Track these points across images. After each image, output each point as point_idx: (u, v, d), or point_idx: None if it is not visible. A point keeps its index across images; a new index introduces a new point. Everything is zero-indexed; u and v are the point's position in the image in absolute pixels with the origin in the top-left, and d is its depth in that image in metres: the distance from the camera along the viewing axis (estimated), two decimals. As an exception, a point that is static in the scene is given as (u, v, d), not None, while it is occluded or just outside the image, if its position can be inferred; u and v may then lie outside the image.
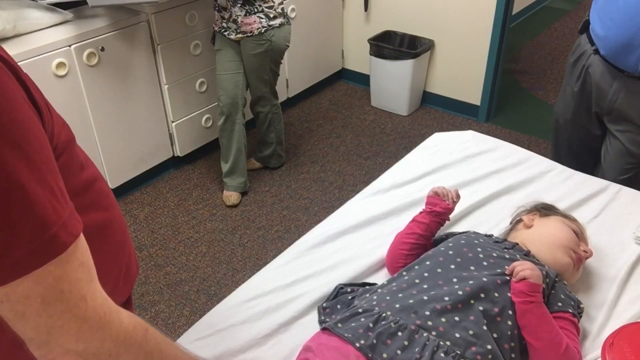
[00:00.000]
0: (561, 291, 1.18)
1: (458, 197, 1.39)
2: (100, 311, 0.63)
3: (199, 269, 2.39)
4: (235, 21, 2.41)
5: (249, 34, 2.42)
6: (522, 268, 1.11)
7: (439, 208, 1.35)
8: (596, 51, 1.74)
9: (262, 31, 2.41)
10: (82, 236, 0.63)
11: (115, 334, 0.64)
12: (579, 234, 1.32)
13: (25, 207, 0.56)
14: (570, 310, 1.15)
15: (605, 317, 1.23)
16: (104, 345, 0.64)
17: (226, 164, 2.70)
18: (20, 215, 0.56)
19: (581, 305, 1.20)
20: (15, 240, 0.56)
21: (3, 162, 0.55)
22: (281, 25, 2.46)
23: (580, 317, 1.19)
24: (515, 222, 1.42)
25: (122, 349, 0.65)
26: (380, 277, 1.33)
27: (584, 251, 1.29)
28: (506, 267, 1.16)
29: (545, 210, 1.40)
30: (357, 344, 1.03)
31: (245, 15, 2.38)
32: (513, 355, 1.07)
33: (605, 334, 1.17)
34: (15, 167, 0.56)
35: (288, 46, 2.56)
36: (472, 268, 1.16)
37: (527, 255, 1.25)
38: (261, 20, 2.40)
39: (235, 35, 2.44)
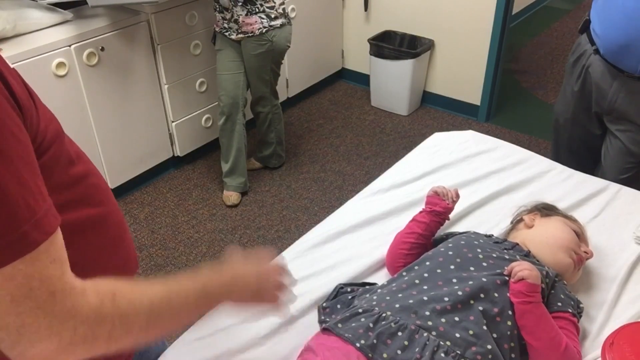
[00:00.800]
0: (561, 291, 1.18)
1: (458, 196, 1.39)
2: (67, 303, 0.62)
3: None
4: (236, 21, 2.41)
5: (250, 34, 2.42)
6: (520, 268, 1.11)
7: (439, 207, 1.35)
8: (596, 51, 1.74)
9: (264, 31, 2.41)
10: (58, 232, 0.63)
11: (85, 317, 0.63)
12: (580, 235, 1.32)
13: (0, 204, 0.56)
14: (570, 310, 1.15)
15: (605, 317, 1.23)
16: (77, 332, 0.63)
17: (226, 164, 2.70)
18: None
19: (581, 305, 1.20)
20: None
21: None
22: (282, 25, 2.46)
23: (580, 317, 1.19)
24: (516, 222, 1.42)
25: (96, 326, 0.64)
26: (380, 277, 1.33)
27: (585, 252, 1.29)
28: (505, 267, 1.16)
29: (546, 210, 1.40)
30: (358, 344, 1.03)
31: (246, 15, 2.38)
32: (513, 356, 1.07)
33: (605, 333, 1.17)
34: None
35: (289, 46, 2.56)
36: (471, 268, 1.16)
37: (527, 255, 1.25)
38: (262, 20, 2.40)
39: (237, 35, 2.44)
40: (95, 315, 0.65)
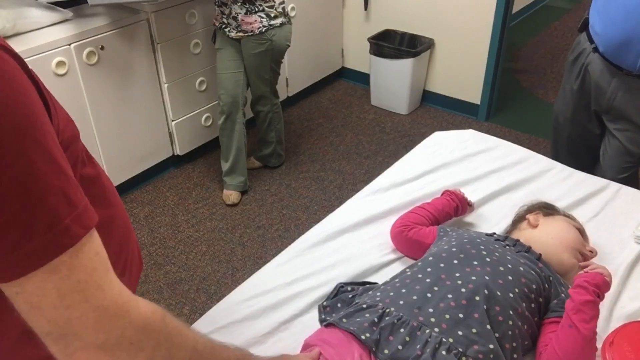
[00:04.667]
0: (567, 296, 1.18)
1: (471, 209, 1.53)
2: (118, 300, 0.62)
3: (198, 267, 2.39)
4: (235, 18, 2.41)
5: (250, 33, 2.42)
6: (600, 266, 1.17)
7: (458, 202, 1.46)
8: (595, 49, 1.74)
9: (263, 30, 2.41)
10: (94, 229, 0.63)
11: (135, 321, 0.63)
12: (583, 233, 1.33)
13: (41, 199, 0.56)
14: None
15: (605, 316, 1.23)
16: (124, 334, 0.62)
17: (226, 163, 2.70)
18: (35, 207, 0.56)
19: None
20: (29, 232, 0.55)
21: (23, 154, 0.55)
22: (282, 24, 2.46)
23: None
24: (518, 221, 1.42)
25: (143, 335, 0.64)
26: (381, 276, 1.33)
27: (590, 251, 1.30)
28: (509, 265, 1.16)
29: (546, 209, 1.40)
30: (363, 337, 1.03)
31: (245, 14, 2.38)
32: (515, 356, 1.06)
33: (605, 332, 1.17)
34: (34, 160, 0.56)
35: (289, 45, 2.56)
36: (475, 263, 1.16)
37: (527, 252, 1.25)
38: (262, 19, 2.39)
39: (236, 33, 2.44)
40: (144, 324, 0.65)
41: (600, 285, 1.10)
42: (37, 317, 0.59)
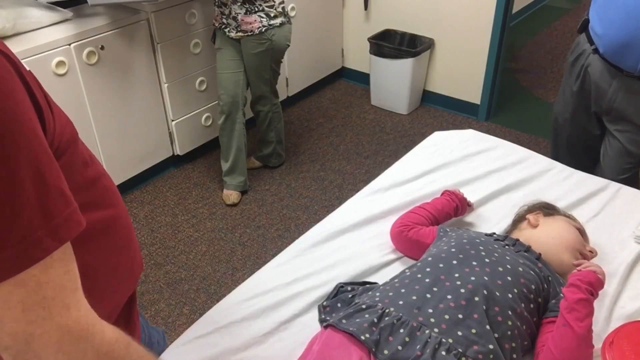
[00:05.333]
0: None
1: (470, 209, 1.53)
2: (83, 322, 0.60)
3: (198, 267, 2.39)
4: (235, 18, 2.40)
5: (250, 33, 2.42)
6: (593, 264, 1.16)
7: (458, 202, 1.46)
8: (595, 50, 1.74)
9: (263, 30, 2.41)
10: (69, 245, 0.61)
11: (98, 346, 0.62)
12: (583, 233, 1.33)
13: (17, 209, 0.54)
14: None
15: (604, 316, 1.23)
16: (85, 357, 0.61)
17: (226, 163, 2.70)
18: (10, 216, 0.54)
19: None
20: (1, 242, 0.54)
21: (3, 161, 0.53)
22: (282, 24, 2.46)
23: None
24: (518, 221, 1.42)
25: None
26: (381, 276, 1.33)
27: (590, 251, 1.30)
28: (508, 265, 1.16)
29: (547, 209, 1.40)
30: (362, 337, 1.03)
31: (245, 13, 2.38)
32: (514, 356, 1.06)
33: (605, 332, 1.17)
34: (13, 168, 0.54)
35: (289, 45, 2.56)
36: (474, 263, 1.16)
37: (527, 251, 1.25)
38: (262, 19, 2.39)
39: (236, 33, 2.44)
40: (107, 350, 0.63)
41: (594, 283, 1.11)
42: None
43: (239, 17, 2.39)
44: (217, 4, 2.45)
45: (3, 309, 0.56)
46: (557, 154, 2.05)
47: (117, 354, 0.64)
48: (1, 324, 0.56)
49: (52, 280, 0.58)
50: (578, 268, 1.17)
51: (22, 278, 0.56)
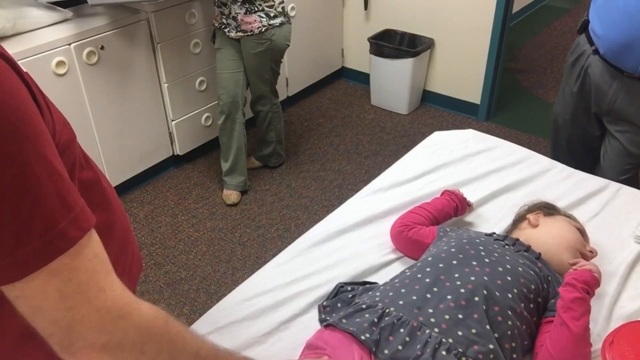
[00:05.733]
0: None
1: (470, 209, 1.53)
2: (120, 301, 0.62)
3: (198, 267, 2.39)
4: (234, 18, 2.40)
5: (250, 33, 2.42)
6: (589, 263, 1.17)
7: (458, 202, 1.46)
8: (595, 51, 1.73)
9: (263, 30, 2.41)
10: (93, 230, 0.63)
11: (138, 323, 0.64)
12: (583, 233, 1.33)
13: (36, 203, 0.56)
14: None
15: (604, 315, 1.23)
16: (127, 335, 0.63)
17: (226, 163, 2.70)
18: (30, 210, 0.56)
19: None
20: (26, 235, 0.56)
21: (18, 157, 0.55)
22: (282, 24, 2.46)
23: None
24: (519, 221, 1.42)
25: (146, 337, 0.64)
26: (381, 276, 1.33)
27: (590, 251, 1.29)
28: (508, 265, 1.16)
29: (547, 209, 1.40)
30: (362, 337, 1.03)
31: (245, 13, 2.38)
32: (514, 356, 1.06)
33: (605, 332, 1.17)
34: (29, 162, 0.56)
35: (288, 45, 2.56)
36: (474, 263, 1.16)
37: (527, 251, 1.25)
38: (262, 19, 2.39)
39: (236, 33, 2.44)
40: (147, 326, 0.65)
41: (589, 282, 1.11)
42: (39, 319, 0.59)
43: (239, 17, 2.39)
44: (217, 4, 2.45)
45: (42, 300, 0.58)
46: (557, 155, 2.05)
47: (157, 329, 0.66)
48: (42, 314, 0.59)
49: (83, 266, 0.60)
50: (574, 267, 1.17)
51: (55, 267, 0.58)
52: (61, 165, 0.61)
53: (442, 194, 1.51)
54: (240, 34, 2.43)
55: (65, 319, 0.59)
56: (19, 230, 0.55)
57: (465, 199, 1.50)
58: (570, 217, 1.38)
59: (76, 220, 0.60)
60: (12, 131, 0.55)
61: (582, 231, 1.33)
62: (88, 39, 2.31)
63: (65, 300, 0.59)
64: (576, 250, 1.27)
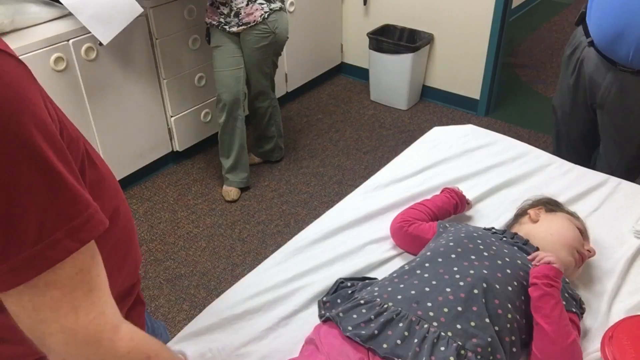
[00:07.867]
0: (564, 290, 1.18)
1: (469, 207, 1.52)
2: (90, 327, 0.59)
3: (198, 263, 2.39)
4: (237, 14, 2.39)
5: (253, 24, 2.40)
6: (546, 254, 1.14)
7: (458, 200, 1.46)
8: (590, 43, 1.73)
9: (266, 16, 2.40)
10: (93, 243, 0.61)
11: (104, 355, 0.60)
12: (583, 233, 1.32)
13: (24, 213, 0.55)
14: (574, 310, 1.15)
15: (604, 310, 1.23)
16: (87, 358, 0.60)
17: (228, 160, 2.70)
18: (18, 220, 0.54)
19: (583, 306, 1.19)
20: (14, 244, 0.55)
21: (11, 165, 0.53)
22: (280, 9, 2.46)
23: (582, 316, 1.19)
24: (520, 215, 1.41)
25: None
26: (380, 272, 1.33)
27: (588, 251, 1.29)
28: (507, 258, 1.16)
29: (550, 205, 1.39)
30: (358, 338, 1.03)
31: (247, 4, 2.37)
32: (514, 349, 1.07)
33: (604, 327, 1.17)
34: (23, 170, 0.54)
35: (288, 37, 2.56)
36: (472, 257, 1.16)
37: (525, 244, 1.25)
38: (262, 6, 2.39)
39: (237, 27, 2.43)
40: None
41: (549, 275, 1.10)
42: (19, 323, 0.59)
43: (242, 10, 2.38)
44: (215, 4, 2.43)
45: (18, 307, 0.57)
46: (560, 148, 2.05)
47: None
48: (20, 320, 0.58)
49: (60, 281, 0.58)
50: (533, 263, 1.16)
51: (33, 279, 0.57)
52: (69, 168, 0.59)
53: (442, 191, 1.51)
54: (242, 27, 2.42)
55: (38, 330, 0.58)
56: (4, 239, 0.54)
57: (464, 196, 1.50)
58: (572, 214, 1.37)
59: (74, 231, 0.58)
60: (13, 137, 0.54)
61: (582, 230, 1.33)
62: (87, 35, 2.31)
63: (38, 313, 0.57)
64: (573, 248, 1.26)
